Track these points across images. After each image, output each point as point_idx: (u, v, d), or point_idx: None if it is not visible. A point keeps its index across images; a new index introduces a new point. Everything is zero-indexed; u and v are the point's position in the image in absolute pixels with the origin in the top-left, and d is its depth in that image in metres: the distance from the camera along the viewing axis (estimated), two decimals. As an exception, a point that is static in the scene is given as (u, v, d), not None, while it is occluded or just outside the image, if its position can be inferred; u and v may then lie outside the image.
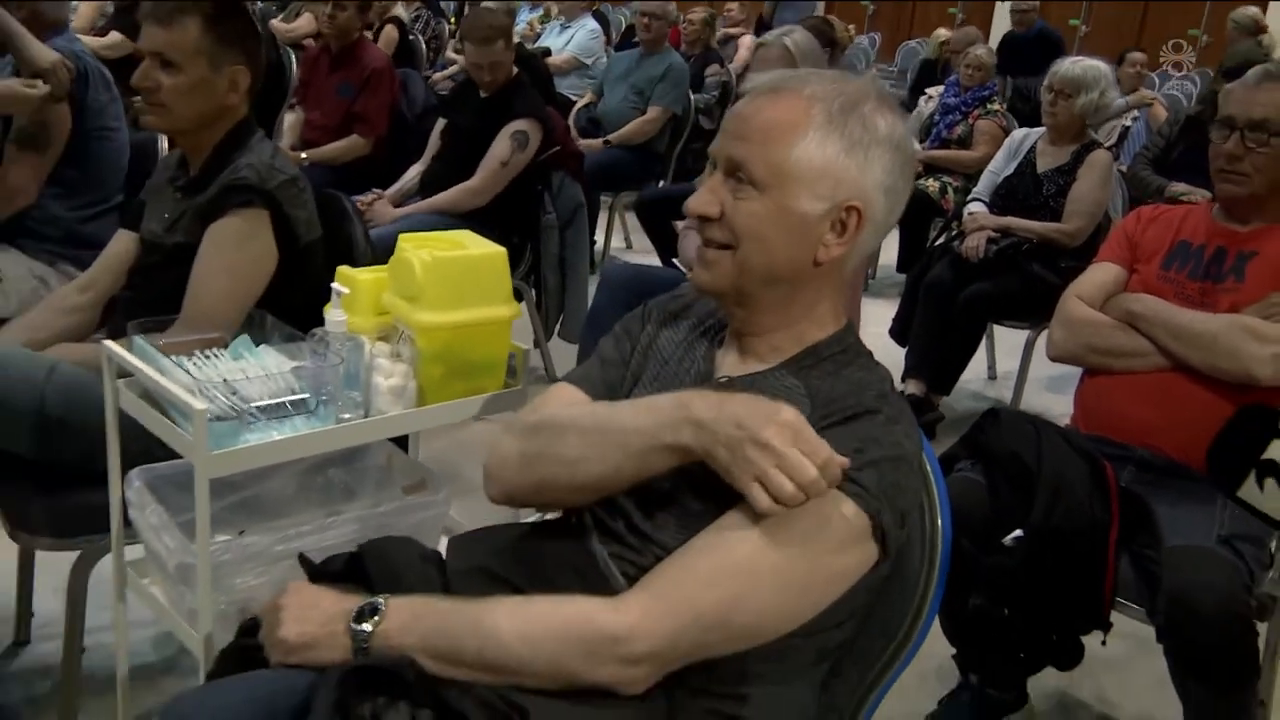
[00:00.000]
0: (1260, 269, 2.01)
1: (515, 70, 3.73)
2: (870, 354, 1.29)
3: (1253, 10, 7.19)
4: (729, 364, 1.30)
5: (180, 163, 2.08)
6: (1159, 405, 2.00)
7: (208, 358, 1.67)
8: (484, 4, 6.71)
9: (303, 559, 1.39)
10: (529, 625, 1.10)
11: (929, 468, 1.29)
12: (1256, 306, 1.96)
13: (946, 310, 3.49)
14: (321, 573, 1.35)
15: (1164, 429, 1.99)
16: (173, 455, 1.79)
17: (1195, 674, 1.77)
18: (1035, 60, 3.87)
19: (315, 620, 1.14)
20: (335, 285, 1.65)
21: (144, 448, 1.82)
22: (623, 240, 5.61)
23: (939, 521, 1.28)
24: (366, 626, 1.11)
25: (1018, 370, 3.58)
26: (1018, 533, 1.91)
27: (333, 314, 1.64)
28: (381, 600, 1.14)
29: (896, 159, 1.22)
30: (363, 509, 1.74)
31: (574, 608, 1.11)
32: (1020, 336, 3.70)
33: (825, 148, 1.18)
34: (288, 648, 1.13)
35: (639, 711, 1.09)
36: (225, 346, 1.73)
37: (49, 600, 2.20)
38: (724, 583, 1.09)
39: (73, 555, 1.85)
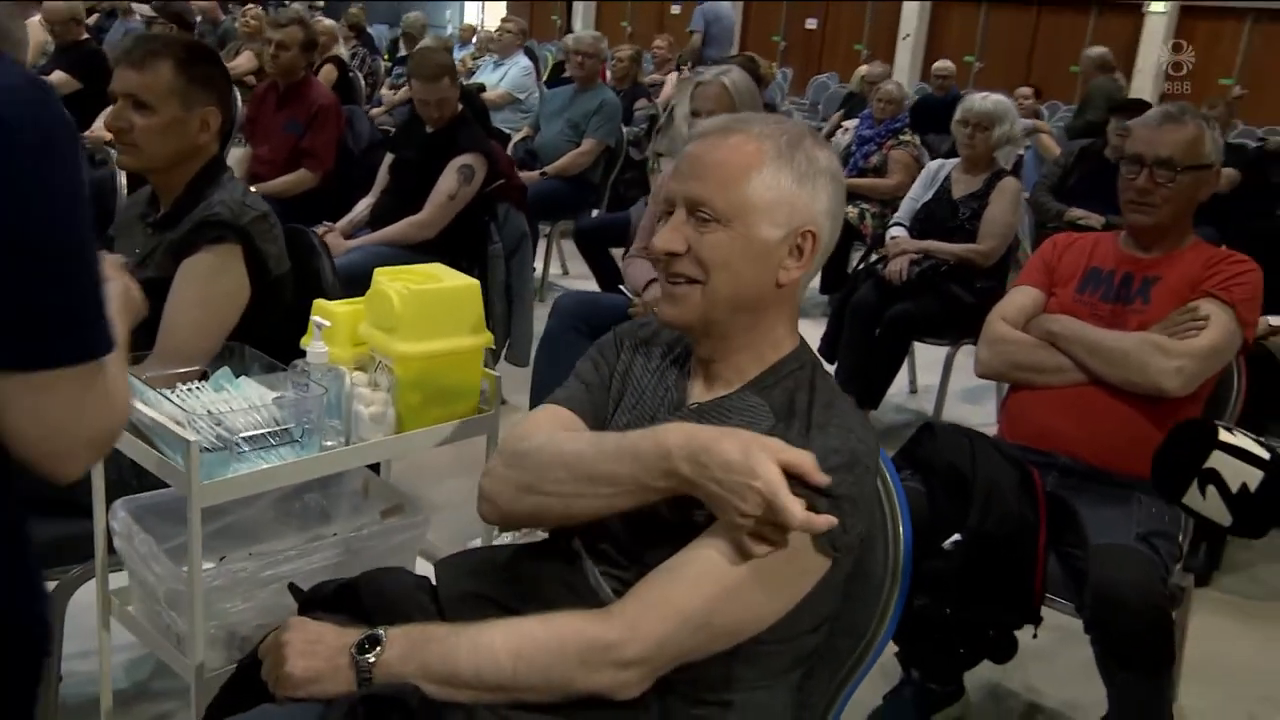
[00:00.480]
0: (1163, 292, 2.12)
1: (460, 107, 3.75)
2: (823, 366, 1.34)
3: (1100, 49, 7.68)
4: (697, 391, 1.33)
5: (151, 199, 2.05)
6: (1078, 417, 2.09)
7: (189, 391, 1.65)
8: (424, 43, 6.72)
9: (293, 588, 1.38)
10: (523, 642, 1.12)
11: (890, 480, 1.34)
12: (1161, 325, 2.06)
13: (872, 329, 3.58)
14: (311, 601, 1.34)
15: (1083, 438, 2.08)
16: (147, 485, 1.77)
17: (1120, 660, 1.85)
18: (946, 121, 4.08)
19: (320, 655, 1.13)
20: (317, 318, 1.65)
21: (119, 478, 1.80)
22: (560, 267, 5.63)
23: (900, 530, 1.33)
24: (369, 658, 1.11)
25: (939, 384, 3.69)
26: (956, 537, 1.98)
27: (314, 346, 1.64)
28: (382, 631, 1.14)
29: (835, 188, 1.30)
30: (347, 532, 1.74)
31: (565, 621, 1.13)
32: (935, 352, 3.81)
33: (779, 179, 1.24)
34: (294, 682, 1.12)
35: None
36: (205, 379, 1.72)
37: (17, 631, 2.13)
38: (705, 588, 1.12)
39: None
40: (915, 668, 2.17)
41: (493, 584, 1.27)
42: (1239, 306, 2.04)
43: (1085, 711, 2.31)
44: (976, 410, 3.97)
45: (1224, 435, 1.61)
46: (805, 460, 1.11)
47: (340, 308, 1.75)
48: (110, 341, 0.97)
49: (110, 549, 1.68)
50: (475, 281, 1.74)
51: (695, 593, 1.12)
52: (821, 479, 1.11)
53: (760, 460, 1.09)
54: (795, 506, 1.07)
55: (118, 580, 1.75)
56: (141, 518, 1.65)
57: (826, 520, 1.09)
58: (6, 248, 0.88)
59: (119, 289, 1.22)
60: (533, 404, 2.65)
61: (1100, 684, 1.95)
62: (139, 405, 1.53)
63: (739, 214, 1.23)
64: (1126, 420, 2.04)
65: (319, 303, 1.77)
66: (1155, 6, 11.90)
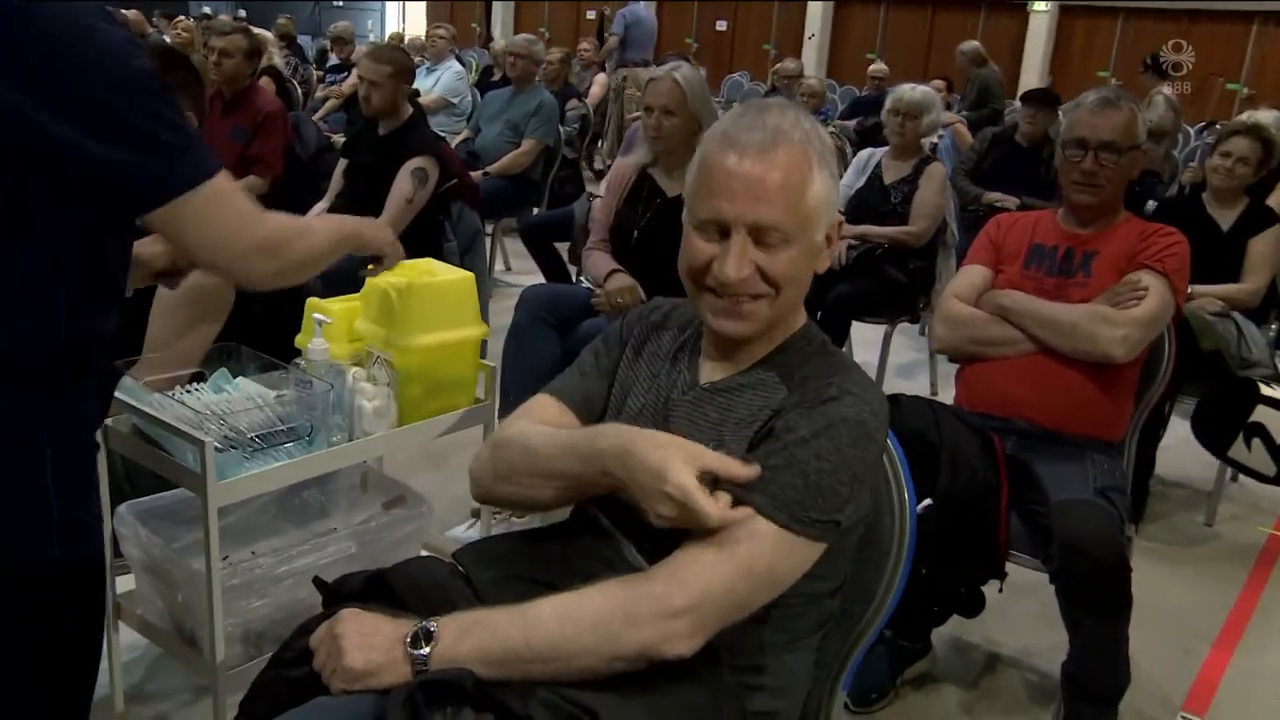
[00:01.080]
0: (1102, 265, 2.17)
1: (410, 110, 3.67)
2: (828, 340, 1.33)
3: (973, 44, 7.96)
4: (708, 370, 1.31)
5: (128, 206, 1.96)
6: (1032, 383, 2.12)
7: (189, 392, 1.59)
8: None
9: (318, 582, 1.33)
10: (570, 606, 1.09)
11: (894, 451, 1.35)
12: (1104, 296, 2.11)
13: (814, 311, 3.61)
14: (337, 594, 1.29)
15: (1037, 403, 2.12)
16: (140, 490, 1.70)
17: (1084, 606, 1.89)
18: (875, 116, 4.21)
19: (378, 648, 1.08)
20: (318, 315, 1.60)
21: (111, 482, 1.72)
22: (503, 264, 5.55)
23: (905, 496, 1.34)
24: (424, 650, 1.07)
25: (878, 360, 3.74)
26: (927, 502, 2.00)
27: (316, 343, 1.59)
28: (433, 624, 1.10)
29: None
30: (349, 526, 1.69)
31: (611, 582, 1.11)
32: (869, 331, 3.85)
33: (825, 184, 1.22)
34: (353, 675, 1.07)
35: (694, 690, 1.10)
36: (200, 380, 1.65)
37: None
38: (742, 537, 1.10)
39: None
40: (888, 627, 2.19)
41: (525, 565, 1.24)
42: (1172, 276, 2.10)
43: (1041, 657, 2.37)
44: (912, 384, 4.04)
45: (1265, 389, 1.65)
46: (730, 465, 1.10)
47: (336, 304, 1.70)
48: (216, 162, 1.09)
49: (115, 552, 1.60)
50: (470, 274, 1.70)
51: (732, 539, 1.10)
52: (748, 473, 1.10)
53: (674, 468, 1.08)
54: (710, 507, 1.07)
55: (121, 584, 1.67)
56: (146, 521, 1.58)
57: (744, 512, 1.10)
58: (124, 100, 1.00)
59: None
60: (503, 394, 2.61)
61: (1052, 631, 2.00)
62: (150, 409, 1.46)
63: (803, 228, 1.21)
64: (1076, 385, 2.09)
65: (311, 300, 1.72)
66: (1038, 6, 12.24)
